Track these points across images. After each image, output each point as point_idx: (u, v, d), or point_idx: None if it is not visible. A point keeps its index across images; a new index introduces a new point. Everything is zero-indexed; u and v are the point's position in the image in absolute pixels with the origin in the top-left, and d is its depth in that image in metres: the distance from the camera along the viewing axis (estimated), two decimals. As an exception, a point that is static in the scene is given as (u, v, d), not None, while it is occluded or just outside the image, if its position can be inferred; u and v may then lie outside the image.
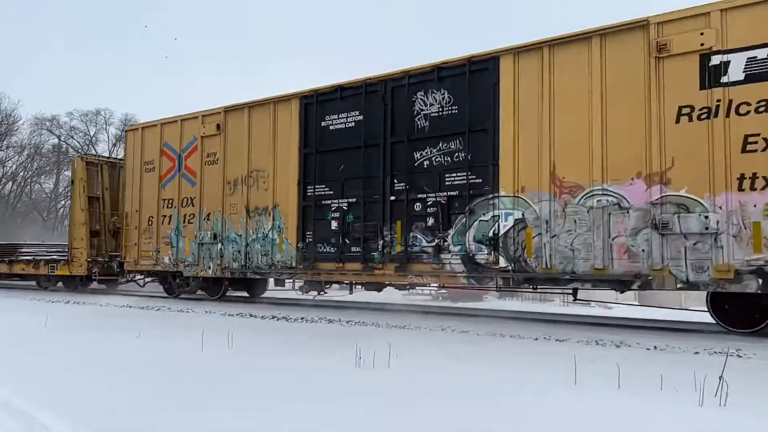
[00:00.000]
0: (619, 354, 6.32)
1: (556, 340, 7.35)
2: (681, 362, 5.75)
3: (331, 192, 11.24)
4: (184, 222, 13.46)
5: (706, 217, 7.55)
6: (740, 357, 6.12)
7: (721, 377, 4.13)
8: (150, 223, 14.13)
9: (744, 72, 7.53)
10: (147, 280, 15.63)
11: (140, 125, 15.17)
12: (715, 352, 6.31)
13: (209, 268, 12.92)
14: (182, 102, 42.53)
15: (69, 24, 62.72)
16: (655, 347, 6.74)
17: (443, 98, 10.03)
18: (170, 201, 13.80)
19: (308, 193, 11.50)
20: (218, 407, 4.09)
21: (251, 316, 10.18)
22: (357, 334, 7.67)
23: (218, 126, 12.95)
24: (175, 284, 14.17)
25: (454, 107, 9.92)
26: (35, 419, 3.84)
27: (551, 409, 4.02)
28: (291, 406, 4.10)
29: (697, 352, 6.42)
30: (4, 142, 38.67)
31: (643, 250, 8.02)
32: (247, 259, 12.29)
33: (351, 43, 72.13)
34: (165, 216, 13.88)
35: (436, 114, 10.08)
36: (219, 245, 12.72)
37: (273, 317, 9.93)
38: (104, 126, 43.84)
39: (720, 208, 7.53)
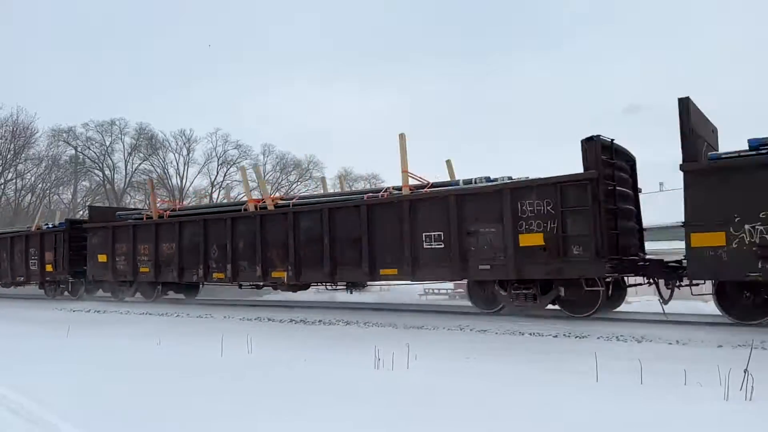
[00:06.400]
0: (640, 349, 6.25)
1: (576, 337, 7.27)
2: (704, 356, 5.67)
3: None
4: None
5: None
6: (765, 350, 6.02)
7: (746, 371, 4.06)
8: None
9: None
10: None
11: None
12: (738, 345, 6.20)
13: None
14: (194, 110, 42.71)
15: (81, 35, 63.43)
16: (677, 341, 6.64)
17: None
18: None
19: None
20: (243, 414, 4.13)
21: (269, 320, 10.22)
22: (375, 336, 7.67)
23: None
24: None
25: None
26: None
27: (573, 410, 3.99)
28: (311, 412, 4.10)
29: (720, 346, 6.32)
30: (23, 155, 39.16)
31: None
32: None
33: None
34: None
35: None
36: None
37: (291, 320, 9.96)
38: (120, 135, 44.09)
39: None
